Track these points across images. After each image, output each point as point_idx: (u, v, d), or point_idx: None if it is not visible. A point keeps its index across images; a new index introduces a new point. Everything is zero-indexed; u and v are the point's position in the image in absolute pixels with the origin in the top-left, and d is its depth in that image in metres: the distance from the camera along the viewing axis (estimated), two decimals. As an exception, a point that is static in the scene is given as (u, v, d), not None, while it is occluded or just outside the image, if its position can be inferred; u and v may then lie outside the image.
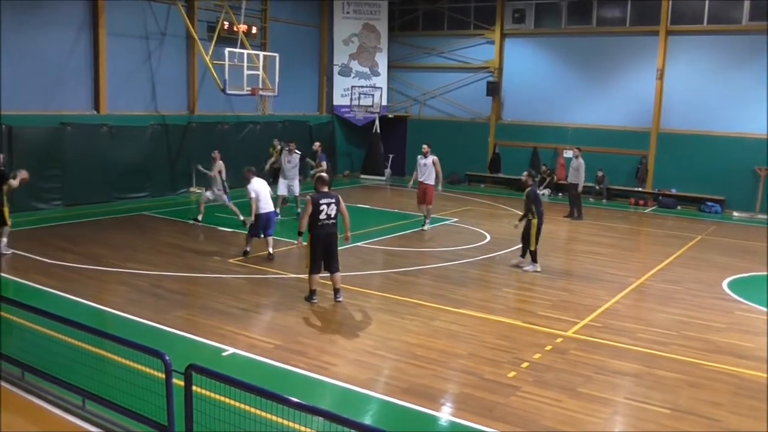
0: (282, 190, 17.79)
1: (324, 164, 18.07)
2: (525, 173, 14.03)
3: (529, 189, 13.45)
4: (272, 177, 18.88)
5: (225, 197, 16.78)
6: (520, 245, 13.71)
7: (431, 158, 16.85)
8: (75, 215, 17.53)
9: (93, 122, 19.42)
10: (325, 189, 10.74)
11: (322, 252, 10.65)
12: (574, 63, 25.37)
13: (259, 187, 13.56)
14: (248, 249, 13.71)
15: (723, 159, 22.17)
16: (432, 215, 17.39)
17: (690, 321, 10.57)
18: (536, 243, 13.36)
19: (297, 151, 17.88)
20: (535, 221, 13.29)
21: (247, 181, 13.59)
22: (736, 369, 8.61)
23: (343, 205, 10.70)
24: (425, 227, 17.04)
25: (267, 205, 13.59)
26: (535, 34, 26.09)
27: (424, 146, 17.27)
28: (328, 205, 10.48)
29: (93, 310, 10.15)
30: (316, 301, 10.81)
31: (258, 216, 13.46)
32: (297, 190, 17.90)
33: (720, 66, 22.54)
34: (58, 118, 18.56)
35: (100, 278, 11.93)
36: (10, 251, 13.15)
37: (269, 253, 13.64)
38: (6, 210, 12.94)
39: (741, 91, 22.03)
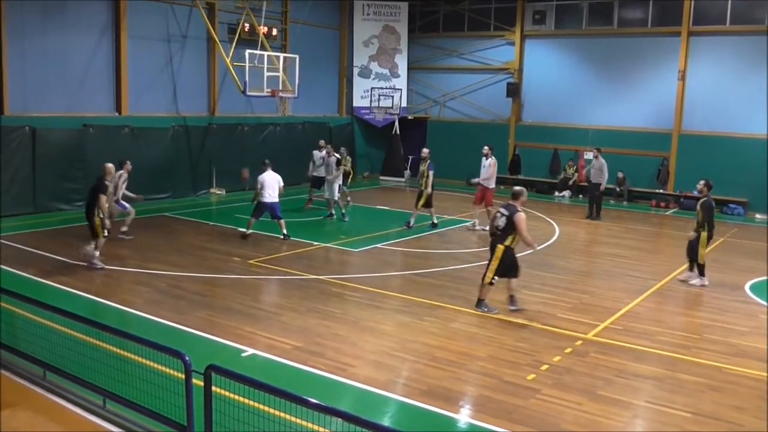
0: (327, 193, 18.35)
1: (431, 174, 16.86)
2: (702, 182, 13.01)
3: (705, 200, 12.74)
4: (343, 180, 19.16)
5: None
6: (687, 259, 13.10)
7: (489, 160, 17.13)
8: (97, 216, 17.65)
9: (115, 124, 19.60)
10: (513, 202, 10.46)
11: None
12: (595, 64, 25.21)
13: (264, 177, 15.26)
14: (248, 232, 15.38)
15: (746, 161, 21.89)
16: (452, 216, 17.41)
17: (712, 324, 10.45)
18: (703, 256, 12.71)
19: (335, 154, 18.24)
20: (705, 234, 12.64)
21: (261, 171, 15.48)
22: (760, 373, 8.49)
23: (517, 222, 10.18)
24: (476, 227, 17.29)
25: (269, 196, 15.21)
26: (556, 35, 25.96)
27: (485, 147, 17.48)
28: (500, 216, 10.47)
29: (114, 311, 10.25)
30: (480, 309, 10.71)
31: (259, 203, 15.29)
32: (336, 194, 18.06)
33: (743, 67, 22.27)
34: (81, 120, 18.75)
35: (121, 279, 12.04)
36: (100, 265, 12.54)
37: (284, 234, 15.35)
38: (98, 221, 12.46)
39: (764, 93, 21.74)
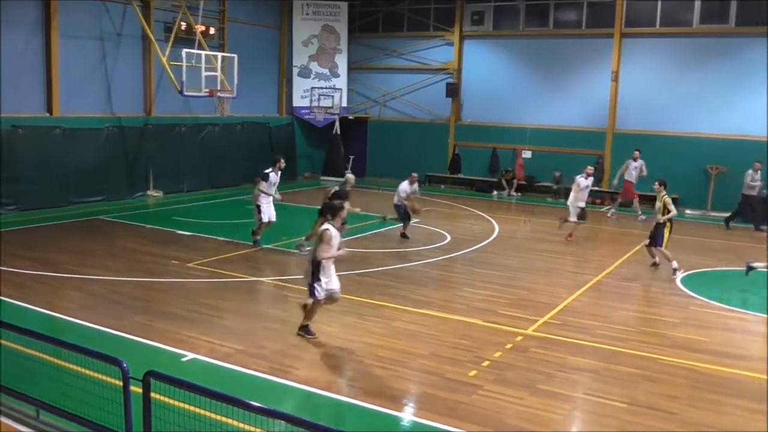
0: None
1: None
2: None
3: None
4: None
5: None
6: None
7: (639, 162, 20.11)
8: (30, 220, 17.12)
9: (46, 125, 18.99)
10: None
11: None
12: (532, 64, 25.66)
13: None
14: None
15: (676, 158, 22.56)
16: (395, 216, 17.49)
17: (647, 317, 10.77)
18: None
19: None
20: None
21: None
22: (692, 363, 8.78)
23: None
24: (641, 216, 19.92)
25: None
26: (494, 36, 26.31)
27: (635, 152, 20.38)
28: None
29: (48, 318, 9.94)
30: None
31: None
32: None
33: (672, 67, 23.04)
34: (10, 121, 18.07)
35: (55, 284, 11.68)
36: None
37: None
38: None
39: (693, 92, 22.60)
